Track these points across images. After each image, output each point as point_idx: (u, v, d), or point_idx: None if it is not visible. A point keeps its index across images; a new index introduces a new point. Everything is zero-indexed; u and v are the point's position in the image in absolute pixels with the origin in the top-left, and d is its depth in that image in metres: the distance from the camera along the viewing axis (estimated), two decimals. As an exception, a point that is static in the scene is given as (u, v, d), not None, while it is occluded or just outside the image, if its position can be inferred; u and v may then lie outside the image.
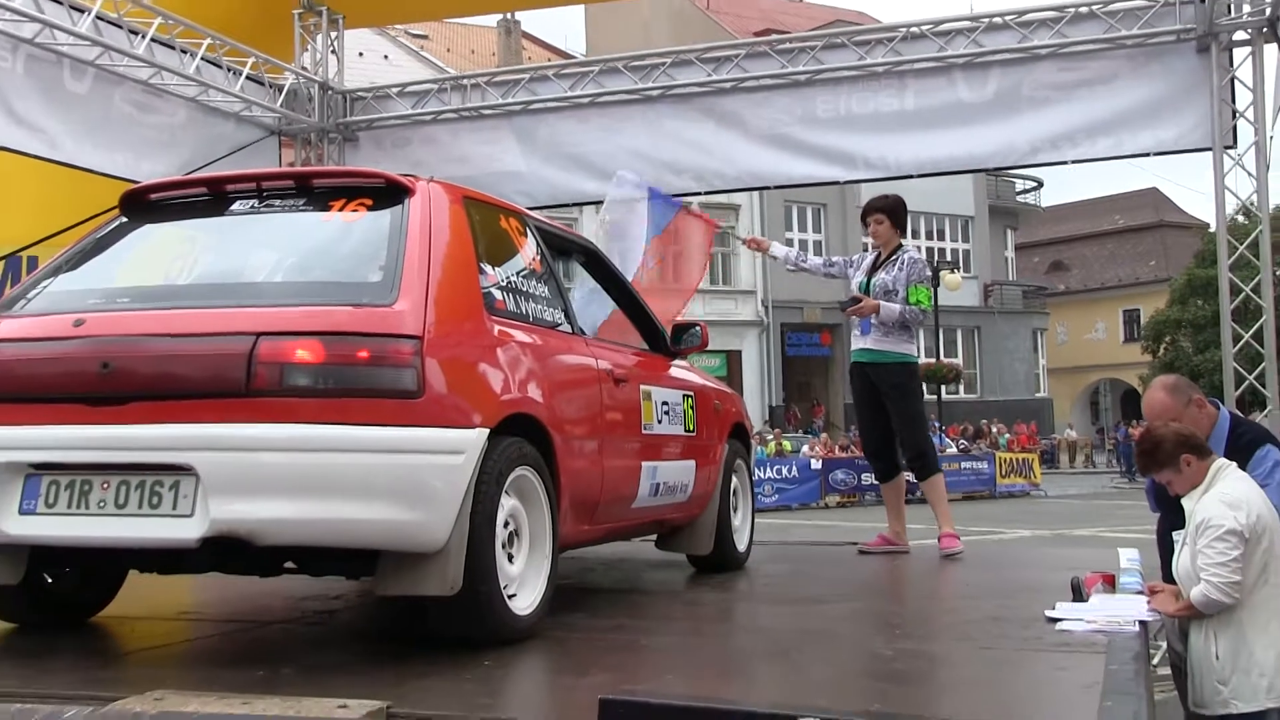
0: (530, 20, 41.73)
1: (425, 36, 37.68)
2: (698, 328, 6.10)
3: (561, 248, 5.46)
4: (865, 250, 7.71)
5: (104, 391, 3.74)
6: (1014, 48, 8.90)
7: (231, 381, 3.65)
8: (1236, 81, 8.37)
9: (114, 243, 4.57)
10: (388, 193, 4.31)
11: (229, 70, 9.32)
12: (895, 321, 6.99)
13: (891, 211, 7.38)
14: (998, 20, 8.96)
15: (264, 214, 4.52)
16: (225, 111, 9.59)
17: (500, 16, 38.16)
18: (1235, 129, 8.34)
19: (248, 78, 9.51)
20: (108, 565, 4.55)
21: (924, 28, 9.18)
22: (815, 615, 5.15)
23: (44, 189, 8.73)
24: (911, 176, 9.35)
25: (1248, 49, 8.31)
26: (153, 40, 8.46)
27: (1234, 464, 4.44)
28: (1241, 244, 8.39)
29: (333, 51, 10.45)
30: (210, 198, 4.62)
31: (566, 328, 4.94)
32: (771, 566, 6.78)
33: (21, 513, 3.81)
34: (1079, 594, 4.79)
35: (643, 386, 5.38)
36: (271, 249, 4.45)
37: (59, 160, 8.15)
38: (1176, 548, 4.39)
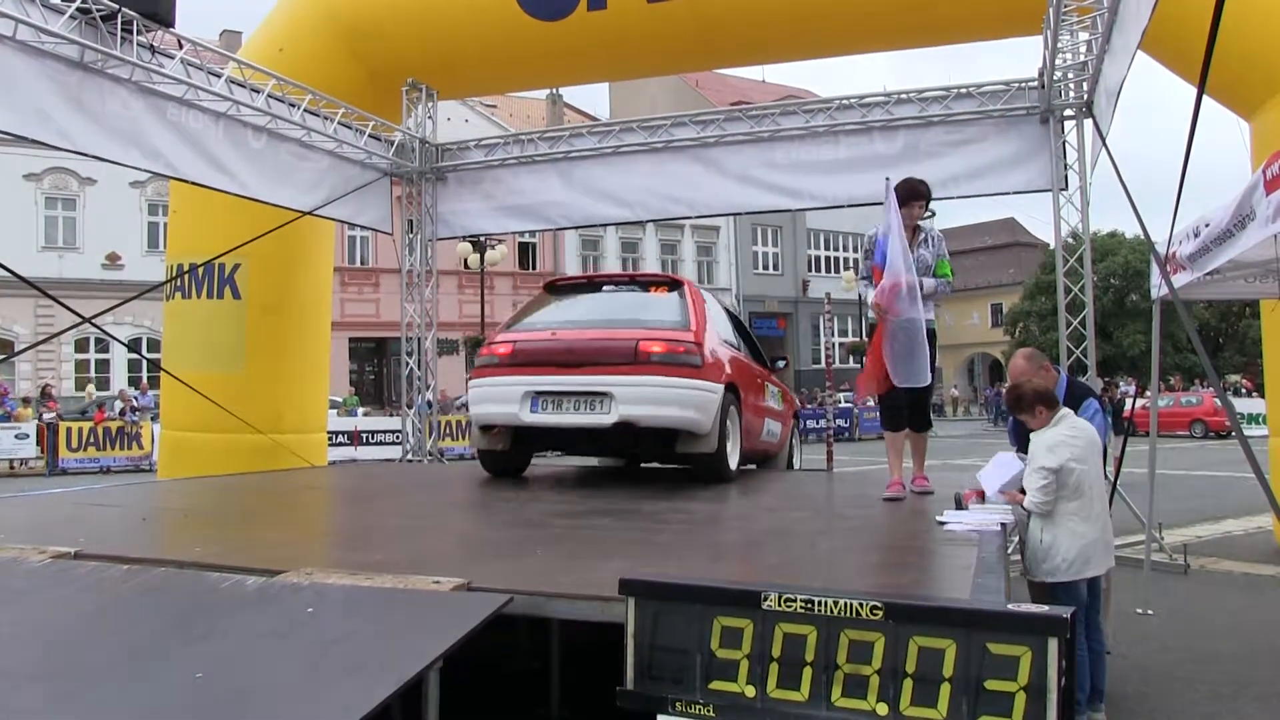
0: (569, 93, 41.50)
1: (494, 105, 37.34)
2: (783, 360, 8.41)
3: (727, 309, 7.58)
4: (879, 229, 5.40)
5: (568, 361, 5.98)
6: (915, 116, 8.98)
7: (628, 358, 5.88)
8: (1067, 144, 8.56)
9: (546, 304, 6.92)
10: (674, 283, 6.71)
11: (356, 131, 9.34)
12: (928, 295, 5.44)
13: (929, 198, 5.64)
14: (904, 96, 9.04)
15: (617, 292, 6.91)
16: (353, 160, 9.57)
17: (548, 90, 38.06)
18: (1066, 176, 8.53)
19: (369, 135, 9.50)
20: (562, 443, 6.83)
21: (851, 100, 9.23)
22: (776, 519, 5.16)
23: (231, 214, 8.84)
24: (843, 206, 9.37)
25: (1074, 121, 8.55)
26: (305, 110, 8.55)
27: (1072, 411, 4.43)
28: (1071, 258, 8.49)
29: (429, 117, 10.42)
30: (588, 284, 7.40)
31: (739, 349, 7.06)
32: (736, 485, 6.73)
33: (530, 412, 6.04)
34: (960, 505, 4.78)
35: (765, 382, 7.53)
36: (628, 306, 6.56)
37: (245, 195, 8.24)
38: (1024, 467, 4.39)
